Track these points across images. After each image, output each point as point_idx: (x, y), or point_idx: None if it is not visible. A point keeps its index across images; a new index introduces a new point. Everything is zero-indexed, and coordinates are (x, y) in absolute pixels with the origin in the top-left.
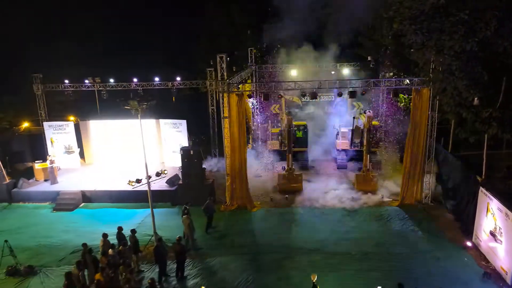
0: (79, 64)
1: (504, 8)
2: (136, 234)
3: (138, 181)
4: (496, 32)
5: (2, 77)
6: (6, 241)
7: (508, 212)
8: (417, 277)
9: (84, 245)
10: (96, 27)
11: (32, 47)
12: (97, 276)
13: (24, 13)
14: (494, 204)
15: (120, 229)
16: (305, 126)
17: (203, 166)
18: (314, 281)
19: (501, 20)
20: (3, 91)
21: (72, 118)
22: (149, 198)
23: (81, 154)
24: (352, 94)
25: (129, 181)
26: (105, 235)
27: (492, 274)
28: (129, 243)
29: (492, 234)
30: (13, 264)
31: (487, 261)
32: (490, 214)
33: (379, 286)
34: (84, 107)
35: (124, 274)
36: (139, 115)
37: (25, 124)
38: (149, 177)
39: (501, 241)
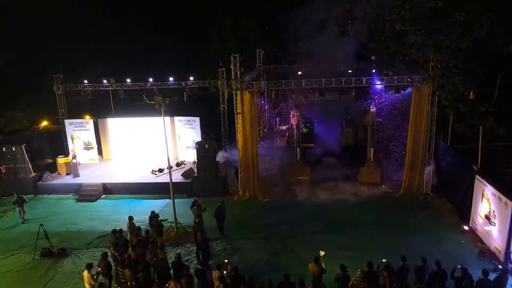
0: (94, 65)
1: (498, 10)
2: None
3: (161, 170)
4: (490, 32)
5: (22, 79)
6: (41, 224)
7: (501, 196)
8: (418, 256)
9: (114, 230)
10: (110, 30)
11: (48, 49)
12: (129, 252)
13: (40, 17)
14: (489, 190)
15: (153, 213)
16: (311, 124)
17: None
18: (322, 255)
19: (495, 21)
20: (22, 91)
21: (87, 117)
22: (171, 186)
23: (99, 150)
24: (357, 91)
25: (152, 170)
26: (130, 218)
27: (487, 253)
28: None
29: (487, 217)
30: (47, 246)
31: (483, 243)
32: (485, 200)
33: (384, 259)
34: (99, 106)
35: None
36: (162, 110)
37: (44, 123)
38: (170, 167)
39: (495, 223)
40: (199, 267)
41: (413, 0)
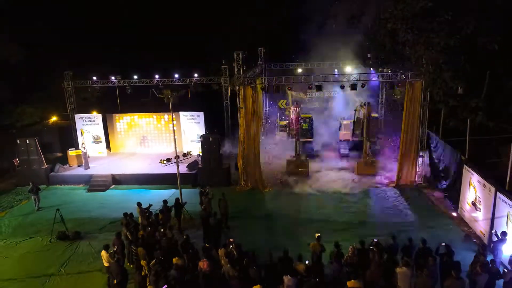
0: (102, 62)
1: (482, 10)
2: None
3: (168, 159)
4: (476, 30)
5: (32, 75)
6: (58, 209)
7: (486, 183)
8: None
9: (125, 213)
10: (117, 28)
11: (57, 47)
12: (140, 233)
13: (48, 15)
14: (475, 178)
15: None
16: (310, 119)
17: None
18: (317, 236)
19: (480, 21)
20: (32, 88)
21: (94, 112)
22: (178, 175)
23: (107, 144)
24: (353, 87)
25: (161, 160)
26: (139, 204)
27: (472, 236)
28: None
29: (474, 204)
30: (63, 230)
31: (469, 227)
32: (472, 187)
33: (375, 239)
34: (105, 103)
35: (162, 230)
36: (170, 103)
37: (54, 118)
38: (177, 157)
39: (480, 209)
40: (206, 245)
41: (405, 1)
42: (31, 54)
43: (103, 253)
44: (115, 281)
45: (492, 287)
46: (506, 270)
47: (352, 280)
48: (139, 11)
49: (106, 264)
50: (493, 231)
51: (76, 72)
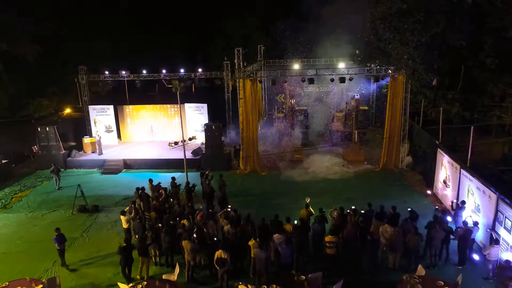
0: (112, 58)
1: (452, 11)
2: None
3: (176, 143)
4: (446, 29)
5: (47, 70)
6: (79, 185)
7: (454, 162)
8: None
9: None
10: (124, 27)
11: (69, 43)
12: (153, 202)
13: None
14: (446, 159)
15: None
16: (306, 111)
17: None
18: (307, 202)
19: (450, 20)
20: (47, 82)
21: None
22: (184, 157)
23: (118, 134)
24: (342, 80)
25: (169, 143)
26: (150, 180)
27: (442, 209)
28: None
29: (445, 182)
30: (83, 204)
31: (441, 203)
32: (443, 167)
33: (353, 206)
34: (115, 96)
35: (172, 200)
36: (178, 92)
37: (67, 110)
38: (184, 140)
39: (449, 185)
40: (210, 210)
41: (384, 2)
42: (46, 50)
43: (122, 217)
44: (136, 236)
45: (448, 242)
46: (458, 229)
47: (329, 236)
48: (146, 11)
49: (125, 226)
50: (454, 201)
51: (88, 67)
